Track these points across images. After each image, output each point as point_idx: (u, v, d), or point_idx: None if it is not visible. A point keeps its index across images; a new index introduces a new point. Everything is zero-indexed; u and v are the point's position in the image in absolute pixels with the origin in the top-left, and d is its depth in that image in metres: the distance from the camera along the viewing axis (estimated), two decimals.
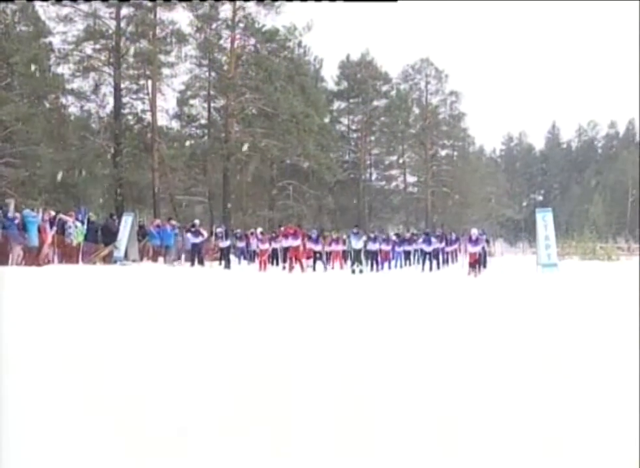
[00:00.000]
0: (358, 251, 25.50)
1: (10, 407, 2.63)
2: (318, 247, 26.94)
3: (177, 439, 2.25)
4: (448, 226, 49.65)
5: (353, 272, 24.62)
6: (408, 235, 32.15)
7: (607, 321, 5.96)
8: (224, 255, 26.30)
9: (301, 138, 44.47)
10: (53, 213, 23.12)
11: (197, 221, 29.07)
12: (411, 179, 60.55)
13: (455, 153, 61.72)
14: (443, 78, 59.13)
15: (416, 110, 59.46)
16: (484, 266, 25.10)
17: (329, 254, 28.20)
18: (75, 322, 5.68)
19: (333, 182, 50.27)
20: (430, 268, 26.26)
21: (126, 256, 24.83)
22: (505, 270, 24.61)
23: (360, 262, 25.34)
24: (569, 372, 3.54)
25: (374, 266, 26.77)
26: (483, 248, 25.38)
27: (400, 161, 59.71)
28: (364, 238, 26.29)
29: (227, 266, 25.66)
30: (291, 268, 23.91)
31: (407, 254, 29.79)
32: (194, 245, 25.48)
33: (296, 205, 48.15)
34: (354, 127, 58.46)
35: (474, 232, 23.96)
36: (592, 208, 65.20)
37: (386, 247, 28.45)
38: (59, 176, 36.27)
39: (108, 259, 24.49)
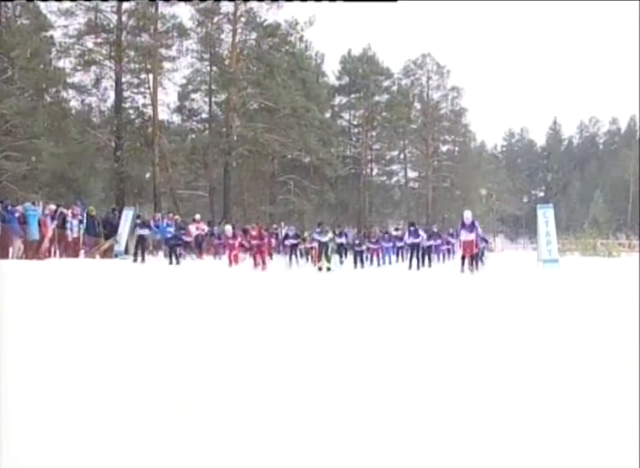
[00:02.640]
0: (324, 246, 22.65)
1: (11, 400, 2.62)
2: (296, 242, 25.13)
3: (176, 435, 2.24)
4: (449, 222, 49.61)
5: (320, 269, 21.57)
6: (396, 233, 29.85)
7: (608, 318, 5.94)
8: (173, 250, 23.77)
9: (302, 133, 44.47)
10: (53, 207, 23.14)
11: (198, 216, 29.14)
12: (412, 174, 60.49)
13: (456, 149, 61.62)
14: (444, 73, 58.99)
15: (417, 106, 59.40)
16: (482, 262, 23.46)
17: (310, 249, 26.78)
18: (73, 316, 5.67)
19: (334, 177, 50.27)
20: (418, 266, 23.07)
21: (126, 250, 24.89)
22: (505, 267, 23.96)
23: (328, 259, 22.30)
24: (569, 369, 3.53)
25: (359, 262, 24.78)
26: (484, 241, 24.87)
27: (402, 156, 59.69)
28: (330, 235, 23.68)
29: (172, 261, 23.02)
30: (255, 264, 21.91)
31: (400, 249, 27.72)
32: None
33: (297, 200, 48.13)
34: (355, 122, 58.34)
35: (467, 216, 20.15)
36: (593, 204, 65.21)
37: (374, 246, 26.89)
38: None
39: (109, 253, 24.56)
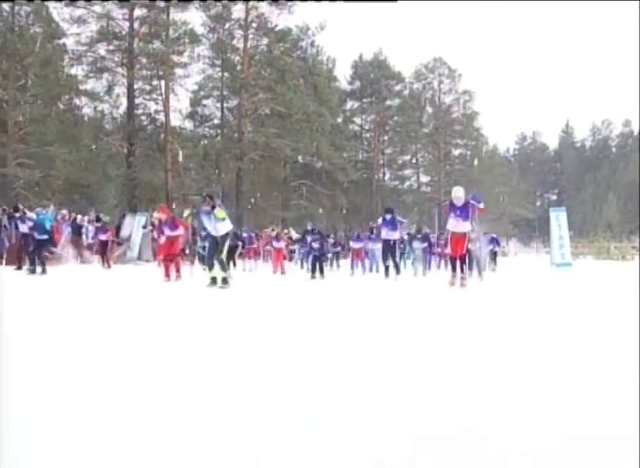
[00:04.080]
0: (210, 245, 12.81)
1: (11, 401, 2.65)
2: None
3: (180, 437, 2.25)
4: None
5: (213, 281, 12.23)
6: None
7: (616, 323, 5.90)
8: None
9: (314, 138, 44.55)
10: (64, 212, 23.25)
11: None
12: (424, 178, 60.48)
13: (468, 153, 61.47)
14: (456, 77, 59.00)
15: (429, 110, 59.40)
16: (493, 268, 21.51)
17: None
18: (76, 322, 5.71)
19: (346, 182, 50.33)
20: (398, 271, 17.00)
21: (139, 256, 24.90)
22: (514, 272, 22.98)
23: (224, 266, 12.49)
24: (576, 374, 3.52)
25: (318, 270, 17.93)
26: (495, 245, 22.71)
27: (414, 161, 59.69)
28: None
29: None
30: (166, 274, 14.32)
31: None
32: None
33: (309, 204, 48.21)
34: (367, 127, 58.44)
35: (458, 194, 12.82)
36: (607, 207, 64.91)
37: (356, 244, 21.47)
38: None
39: (123, 258, 24.60)
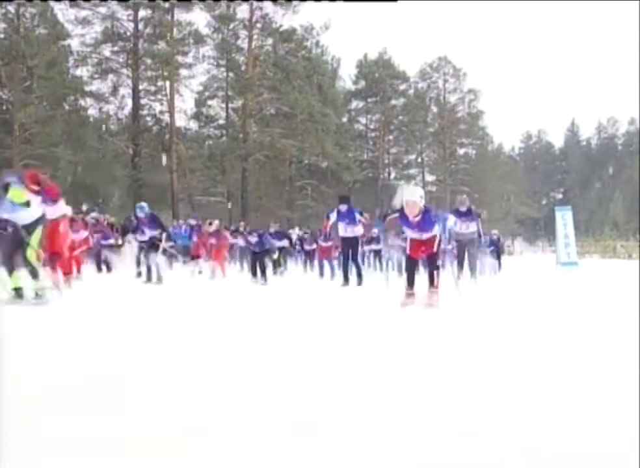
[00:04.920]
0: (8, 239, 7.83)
1: (11, 401, 2.65)
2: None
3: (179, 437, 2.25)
4: None
5: (17, 294, 7.37)
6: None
7: (625, 325, 5.86)
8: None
9: (319, 138, 44.53)
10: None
11: (217, 222, 29.13)
12: (429, 177, 60.31)
13: (474, 152, 61.41)
14: (461, 76, 58.83)
15: (434, 109, 59.34)
16: (497, 268, 19.19)
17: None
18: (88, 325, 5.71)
19: (351, 181, 50.31)
20: (360, 279, 12.91)
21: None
22: (521, 271, 22.52)
23: (34, 272, 7.56)
24: (579, 380, 3.50)
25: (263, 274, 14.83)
26: (497, 247, 20.30)
27: (419, 160, 59.61)
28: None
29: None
30: (53, 271, 9.42)
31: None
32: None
33: (314, 204, 48.20)
34: (372, 126, 58.40)
35: (411, 197, 7.71)
36: (613, 205, 64.63)
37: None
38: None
39: None
